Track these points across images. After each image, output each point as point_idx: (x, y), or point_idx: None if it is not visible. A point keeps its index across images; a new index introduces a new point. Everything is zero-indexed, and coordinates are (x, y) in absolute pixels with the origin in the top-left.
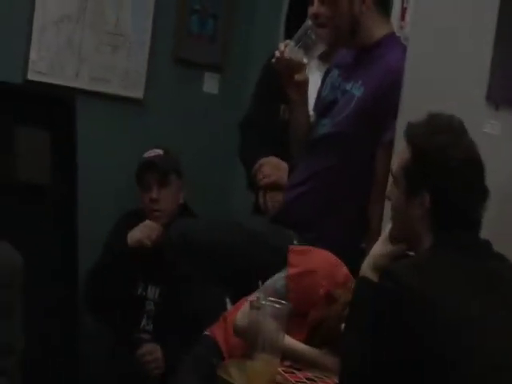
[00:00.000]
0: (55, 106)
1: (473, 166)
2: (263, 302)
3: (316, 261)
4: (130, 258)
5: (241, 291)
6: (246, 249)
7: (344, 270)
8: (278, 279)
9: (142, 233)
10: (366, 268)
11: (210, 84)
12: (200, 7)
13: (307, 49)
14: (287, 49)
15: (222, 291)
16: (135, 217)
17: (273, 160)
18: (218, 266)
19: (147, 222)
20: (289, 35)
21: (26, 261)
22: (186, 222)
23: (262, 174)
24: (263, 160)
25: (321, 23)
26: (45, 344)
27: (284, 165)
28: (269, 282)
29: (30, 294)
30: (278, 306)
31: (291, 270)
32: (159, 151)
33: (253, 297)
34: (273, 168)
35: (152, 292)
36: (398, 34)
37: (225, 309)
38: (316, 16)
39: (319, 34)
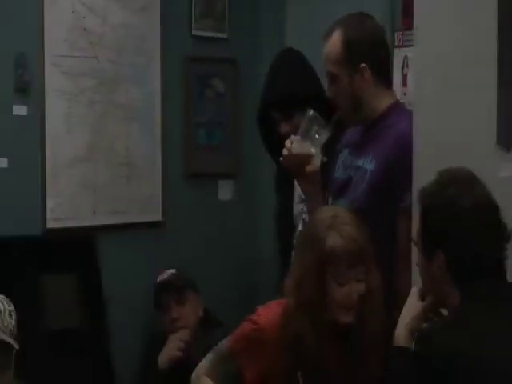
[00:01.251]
0: (77, 249)
1: (484, 211)
2: None
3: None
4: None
5: None
6: None
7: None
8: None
9: (169, 349)
10: (400, 336)
11: (224, 191)
12: (205, 119)
13: (313, 139)
14: (294, 144)
15: None
16: (160, 341)
17: None
18: None
19: (171, 337)
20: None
21: None
22: None
23: None
24: None
25: None
26: None
27: None
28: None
29: None
30: None
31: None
32: (172, 271)
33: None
34: None
35: None
36: (402, 101)
37: None
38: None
39: None
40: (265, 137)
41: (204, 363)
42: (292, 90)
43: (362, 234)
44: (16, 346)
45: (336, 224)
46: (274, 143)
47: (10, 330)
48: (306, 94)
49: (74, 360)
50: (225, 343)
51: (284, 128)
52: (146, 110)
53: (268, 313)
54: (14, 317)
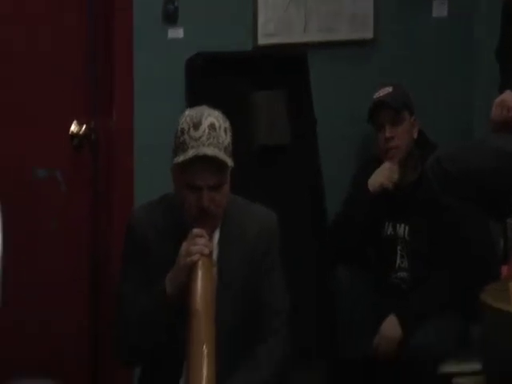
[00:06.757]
0: (288, 65)
1: None
2: None
3: None
4: (373, 204)
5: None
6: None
7: None
8: None
9: (383, 176)
10: None
11: (440, 8)
12: None
13: None
14: None
15: (484, 216)
16: (375, 162)
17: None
18: (478, 191)
19: (386, 164)
20: None
21: (280, 220)
22: (441, 151)
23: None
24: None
25: None
26: (302, 299)
27: None
28: None
29: (285, 251)
30: None
31: None
32: (389, 89)
33: None
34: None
35: (402, 230)
36: None
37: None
38: None
39: None
40: None
41: None
42: None
43: None
44: (230, 163)
45: None
46: None
47: (225, 146)
48: None
49: (280, 175)
50: None
51: None
52: None
53: None
54: (229, 133)
